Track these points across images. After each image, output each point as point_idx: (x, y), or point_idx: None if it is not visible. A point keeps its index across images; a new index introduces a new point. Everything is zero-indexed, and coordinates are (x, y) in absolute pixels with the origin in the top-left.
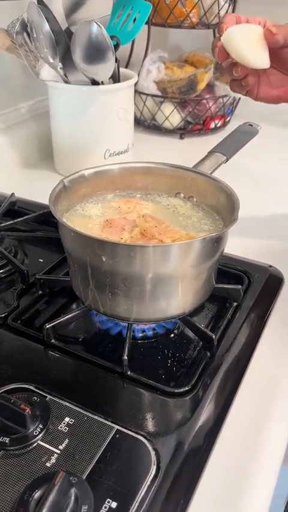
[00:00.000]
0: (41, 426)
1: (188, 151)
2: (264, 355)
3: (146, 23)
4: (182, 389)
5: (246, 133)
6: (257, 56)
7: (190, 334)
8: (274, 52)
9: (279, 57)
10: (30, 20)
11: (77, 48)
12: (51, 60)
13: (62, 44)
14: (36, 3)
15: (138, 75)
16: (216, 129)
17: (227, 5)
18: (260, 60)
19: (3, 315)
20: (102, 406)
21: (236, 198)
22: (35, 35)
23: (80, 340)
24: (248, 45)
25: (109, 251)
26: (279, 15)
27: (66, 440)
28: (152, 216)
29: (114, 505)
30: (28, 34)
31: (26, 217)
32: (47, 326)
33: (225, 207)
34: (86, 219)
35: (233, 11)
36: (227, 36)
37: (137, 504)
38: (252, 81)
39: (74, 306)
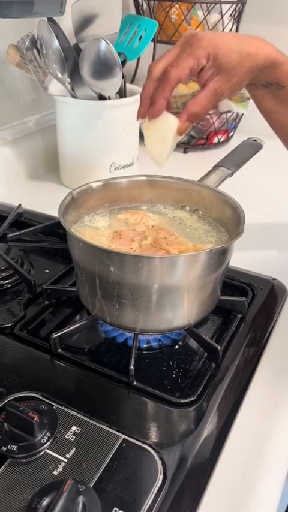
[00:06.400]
0: (49, 434)
1: (191, 166)
2: (269, 367)
3: (152, 40)
4: (187, 400)
5: (251, 148)
6: (157, 158)
7: (195, 345)
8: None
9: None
10: (40, 36)
11: (85, 64)
12: (59, 76)
13: (71, 59)
14: (46, 20)
15: None
16: (219, 144)
17: (230, 24)
18: (159, 161)
19: (10, 324)
20: (109, 415)
21: (241, 212)
22: (44, 51)
23: (86, 350)
24: (153, 143)
25: (117, 261)
26: (282, 33)
27: (73, 449)
28: (161, 227)
29: None
30: (38, 50)
31: (32, 228)
32: (54, 336)
33: (230, 220)
34: (94, 230)
35: (237, 30)
36: (144, 126)
37: None
38: None
39: (79, 316)
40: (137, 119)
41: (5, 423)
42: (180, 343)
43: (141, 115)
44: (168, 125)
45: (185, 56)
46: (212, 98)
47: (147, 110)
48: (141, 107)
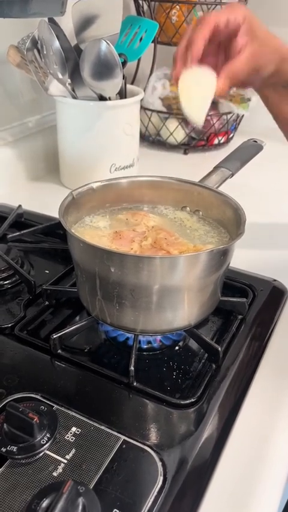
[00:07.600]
0: (48, 435)
1: (191, 167)
2: (269, 368)
3: (152, 41)
4: (187, 401)
5: (251, 149)
6: (197, 113)
7: (195, 346)
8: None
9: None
10: (40, 37)
11: (86, 65)
12: (60, 76)
13: (71, 60)
14: (47, 21)
15: (144, 92)
16: (219, 145)
17: None
18: (198, 119)
19: (10, 325)
20: (109, 416)
21: (242, 212)
22: (45, 52)
23: (86, 350)
24: (191, 101)
25: (118, 262)
26: (283, 35)
27: (73, 450)
28: (161, 227)
29: None
30: (38, 51)
31: (32, 228)
32: (54, 336)
33: (231, 221)
34: (95, 230)
35: None
36: (179, 83)
37: None
38: None
39: (79, 316)
40: (173, 79)
41: (5, 424)
42: (180, 344)
43: (177, 72)
44: (207, 78)
45: (222, 11)
46: (250, 62)
47: (182, 67)
48: (175, 66)
